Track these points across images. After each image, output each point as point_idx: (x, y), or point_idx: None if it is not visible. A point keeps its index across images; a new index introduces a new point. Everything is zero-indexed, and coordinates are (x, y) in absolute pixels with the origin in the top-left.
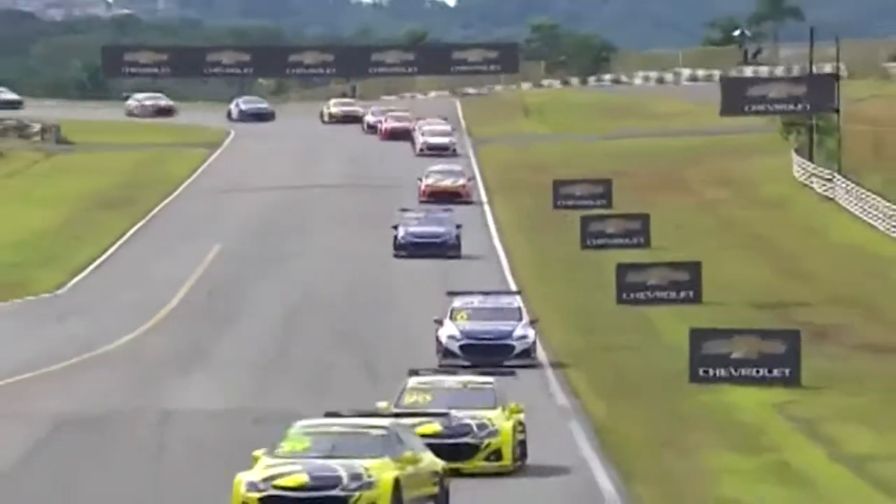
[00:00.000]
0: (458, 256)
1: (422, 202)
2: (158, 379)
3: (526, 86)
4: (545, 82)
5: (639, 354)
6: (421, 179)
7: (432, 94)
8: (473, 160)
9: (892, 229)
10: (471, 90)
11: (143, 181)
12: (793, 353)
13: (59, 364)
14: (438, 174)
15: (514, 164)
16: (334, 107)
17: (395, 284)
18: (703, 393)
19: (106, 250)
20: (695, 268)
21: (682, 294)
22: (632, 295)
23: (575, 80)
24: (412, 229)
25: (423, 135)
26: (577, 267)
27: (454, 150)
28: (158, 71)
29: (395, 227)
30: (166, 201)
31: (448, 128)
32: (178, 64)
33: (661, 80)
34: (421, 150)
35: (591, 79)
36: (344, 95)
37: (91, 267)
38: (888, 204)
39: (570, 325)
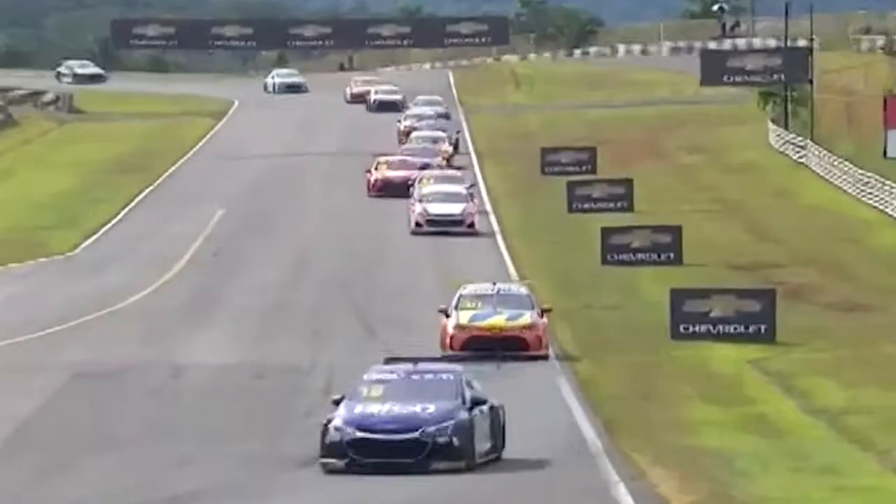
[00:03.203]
0: None
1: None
2: (169, 332)
3: (515, 58)
4: (532, 55)
5: (622, 313)
6: (449, 316)
7: (426, 66)
8: (465, 127)
9: (862, 194)
10: (464, 62)
11: (155, 148)
12: (768, 310)
13: (77, 319)
14: (475, 301)
15: (503, 132)
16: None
17: (388, 240)
18: (682, 349)
19: (120, 212)
20: (676, 231)
21: (664, 256)
22: (616, 257)
23: (561, 53)
24: None
25: (419, 200)
26: (563, 230)
27: (472, 223)
28: (166, 44)
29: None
30: (176, 166)
31: (462, 188)
32: (184, 37)
33: (644, 52)
34: (417, 224)
35: (577, 51)
36: (342, 67)
37: (106, 228)
38: (858, 170)
39: (556, 285)
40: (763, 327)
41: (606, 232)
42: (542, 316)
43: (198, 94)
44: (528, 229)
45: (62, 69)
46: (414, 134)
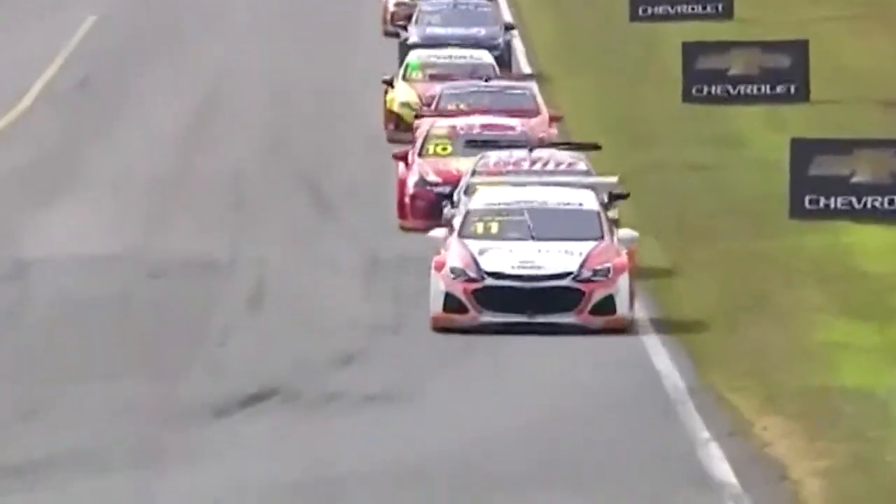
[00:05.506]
0: None
1: None
2: (9, 208)
3: None
4: None
5: (716, 176)
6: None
7: None
8: None
9: None
10: None
11: None
12: None
13: None
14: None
15: None
16: None
17: (343, 74)
18: (810, 232)
19: None
20: (798, 49)
21: (781, 88)
22: (706, 89)
23: None
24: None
25: (463, 235)
26: (624, 48)
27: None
28: None
29: None
30: None
31: (590, 198)
32: None
33: None
34: (449, 307)
35: None
36: None
37: None
38: None
39: (616, 133)
40: None
41: (691, 50)
42: None
43: None
44: (569, 48)
45: None
46: (414, 55)
